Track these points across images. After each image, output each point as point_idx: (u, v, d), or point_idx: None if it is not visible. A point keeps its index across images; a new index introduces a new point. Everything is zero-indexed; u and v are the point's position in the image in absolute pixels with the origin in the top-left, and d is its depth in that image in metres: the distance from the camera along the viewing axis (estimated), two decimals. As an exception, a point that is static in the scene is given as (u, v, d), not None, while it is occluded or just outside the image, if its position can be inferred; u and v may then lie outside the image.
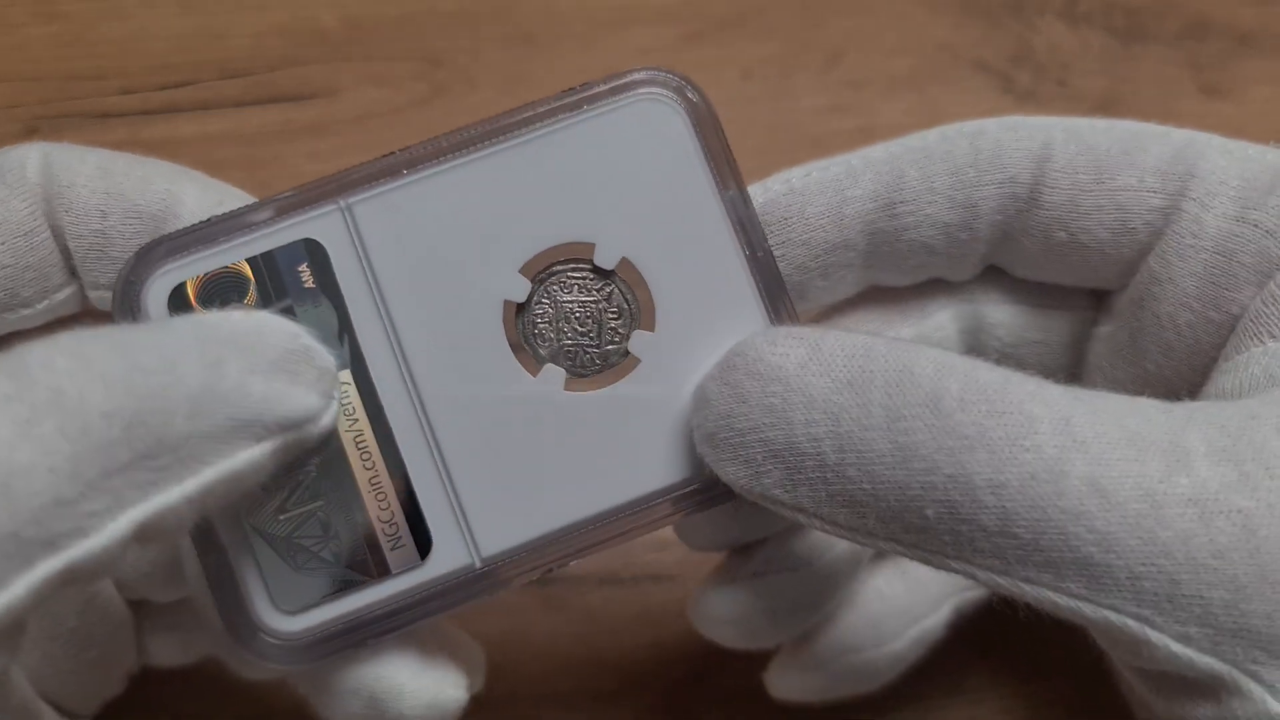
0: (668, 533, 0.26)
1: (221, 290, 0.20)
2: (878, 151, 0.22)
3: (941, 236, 0.22)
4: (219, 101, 0.34)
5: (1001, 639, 0.29)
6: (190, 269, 0.20)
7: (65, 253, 0.21)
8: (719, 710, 0.28)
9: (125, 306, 0.20)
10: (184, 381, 0.16)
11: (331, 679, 0.20)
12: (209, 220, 0.20)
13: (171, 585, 0.23)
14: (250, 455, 0.17)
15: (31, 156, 0.21)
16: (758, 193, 0.22)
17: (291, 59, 0.35)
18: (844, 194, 0.21)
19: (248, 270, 0.20)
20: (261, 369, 0.17)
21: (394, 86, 0.35)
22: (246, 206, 0.20)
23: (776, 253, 0.22)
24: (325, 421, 0.18)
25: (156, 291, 0.20)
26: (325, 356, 0.19)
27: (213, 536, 0.19)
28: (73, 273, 0.22)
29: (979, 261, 0.23)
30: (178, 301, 0.20)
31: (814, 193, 0.22)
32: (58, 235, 0.21)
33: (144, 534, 0.16)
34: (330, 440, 0.19)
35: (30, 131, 0.34)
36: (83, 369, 0.15)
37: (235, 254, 0.20)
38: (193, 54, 0.35)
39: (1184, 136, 0.21)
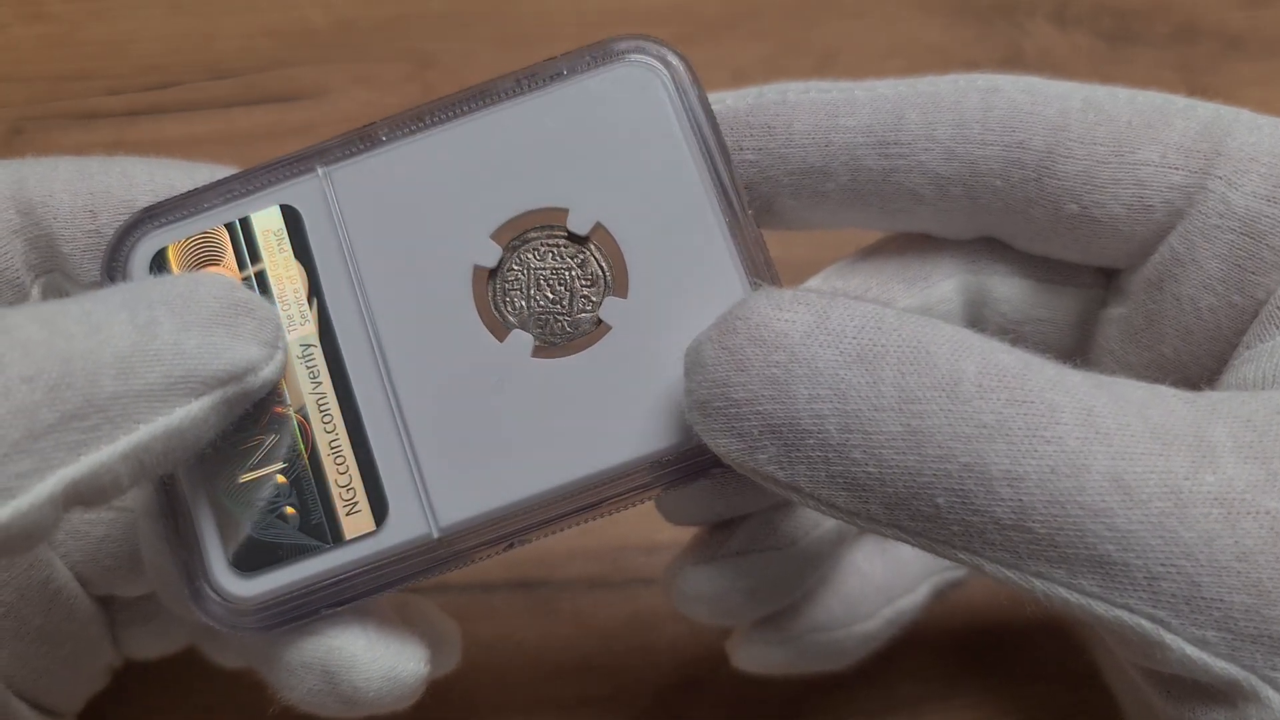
0: (658, 535, 0.25)
1: (200, 254, 0.20)
2: (884, 87, 0.21)
3: (931, 187, 0.21)
4: (208, 102, 0.34)
5: (996, 644, 0.29)
6: (173, 234, 0.20)
7: (33, 266, 0.22)
8: (712, 715, 0.28)
9: (111, 270, 0.20)
10: (111, 343, 0.16)
11: (284, 654, 0.19)
12: (195, 190, 0.20)
13: (134, 579, 0.22)
14: (189, 411, 0.17)
15: None
16: (751, 95, 0.21)
17: (281, 60, 0.35)
18: (837, 121, 0.21)
19: (225, 235, 0.20)
20: (197, 324, 0.17)
21: (384, 88, 0.35)
22: (233, 175, 0.21)
23: (751, 159, 0.21)
24: (268, 372, 0.19)
25: (140, 255, 0.20)
26: (266, 307, 0.19)
27: (175, 496, 0.19)
28: (38, 280, 0.22)
29: (969, 222, 0.22)
30: (159, 265, 0.20)
31: (806, 110, 0.21)
32: (36, 246, 0.21)
33: (78, 495, 0.16)
34: (289, 404, 0.19)
35: (15, 132, 0.34)
36: (2, 337, 0.16)
37: (215, 219, 0.20)
38: (181, 55, 0.35)
39: (1210, 111, 0.21)
